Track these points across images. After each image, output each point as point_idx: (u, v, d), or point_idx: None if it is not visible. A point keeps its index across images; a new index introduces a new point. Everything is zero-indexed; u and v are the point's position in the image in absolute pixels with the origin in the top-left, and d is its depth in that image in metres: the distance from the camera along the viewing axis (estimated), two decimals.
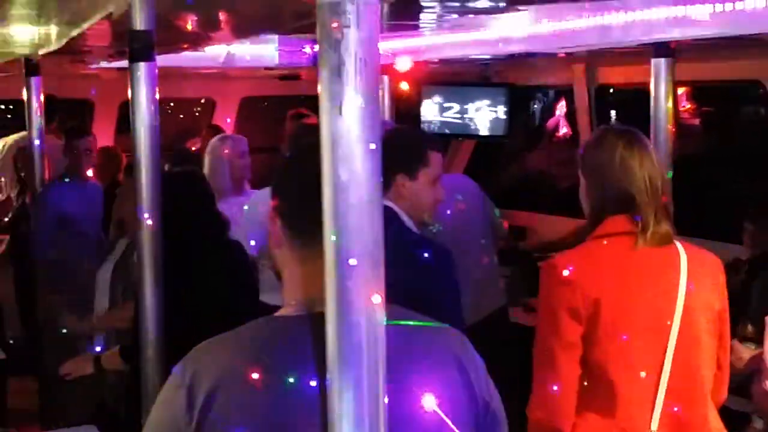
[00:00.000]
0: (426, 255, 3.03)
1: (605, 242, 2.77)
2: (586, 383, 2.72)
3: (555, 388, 2.70)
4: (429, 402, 1.66)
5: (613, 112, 7.48)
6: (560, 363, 2.71)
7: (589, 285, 2.70)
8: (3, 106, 9.00)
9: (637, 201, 2.73)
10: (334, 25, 1.22)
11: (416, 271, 2.97)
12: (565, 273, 2.72)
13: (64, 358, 4.31)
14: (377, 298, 1.26)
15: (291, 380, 1.60)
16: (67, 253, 5.27)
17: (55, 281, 5.49)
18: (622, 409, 2.71)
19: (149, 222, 2.89)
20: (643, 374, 2.70)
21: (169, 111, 9.55)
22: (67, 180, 5.89)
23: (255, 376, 1.61)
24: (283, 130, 6.23)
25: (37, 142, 5.15)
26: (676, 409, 2.71)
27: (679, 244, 2.79)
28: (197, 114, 9.33)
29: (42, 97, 5.11)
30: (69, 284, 5.05)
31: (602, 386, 2.71)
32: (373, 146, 1.25)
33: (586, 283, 2.70)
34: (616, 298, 2.70)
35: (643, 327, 2.71)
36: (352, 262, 1.25)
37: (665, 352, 2.69)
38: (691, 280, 2.73)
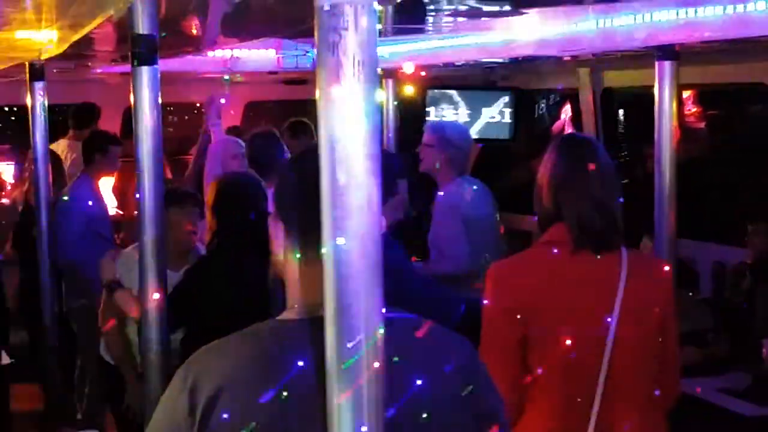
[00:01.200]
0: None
1: (546, 248, 2.84)
2: (529, 384, 2.79)
3: (498, 383, 2.74)
4: (430, 408, 1.66)
5: (619, 115, 7.48)
6: (500, 364, 2.69)
7: (527, 289, 2.79)
8: (7, 110, 9.00)
9: (575, 209, 2.80)
10: (332, 27, 1.21)
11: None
12: (505, 277, 2.85)
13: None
14: (377, 302, 1.25)
15: (292, 384, 1.59)
16: (93, 254, 5.25)
17: (80, 282, 5.50)
18: (559, 412, 2.77)
19: (151, 226, 2.88)
20: (579, 379, 2.75)
21: (173, 116, 9.57)
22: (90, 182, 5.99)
23: (256, 379, 1.61)
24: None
25: (40, 147, 5.13)
26: (612, 415, 2.75)
27: (624, 251, 2.83)
28: (201, 119, 9.32)
29: (46, 102, 5.10)
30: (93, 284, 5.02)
31: (541, 389, 2.78)
32: (372, 150, 1.24)
33: (524, 287, 2.80)
34: (553, 302, 2.78)
35: (579, 332, 2.75)
36: (351, 265, 1.24)
37: (602, 357, 2.74)
38: (629, 284, 2.77)
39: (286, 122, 6.78)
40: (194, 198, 4.61)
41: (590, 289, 2.79)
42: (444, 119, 5.53)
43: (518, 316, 2.76)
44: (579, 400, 2.76)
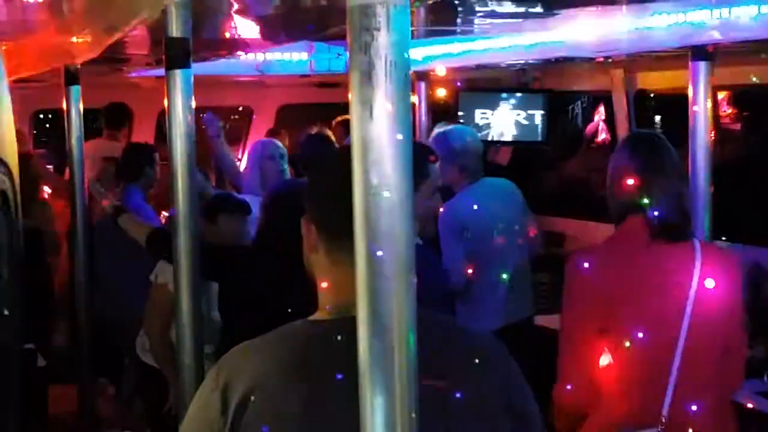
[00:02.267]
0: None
1: (623, 239, 3.00)
2: (607, 370, 2.93)
3: (581, 374, 2.92)
4: (462, 407, 1.66)
5: (656, 117, 7.42)
6: (584, 350, 2.91)
7: (606, 277, 2.92)
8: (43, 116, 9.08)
9: (650, 202, 2.94)
10: (364, 28, 1.21)
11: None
12: (585, 265, 2.96)
13: None
14: (409, 302, 1.25)
15: (324, 384, 1.60)
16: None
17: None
18: (636, 396, 2.90)
19: (185, 230, 2.89)
20: (655, 363, 2.89)
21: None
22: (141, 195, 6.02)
23: (289, 379, 1.61)
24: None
25: (76, 151, 5.18)
26: (685, 397, 2.88)
27: (696, 242, 2.99)
28: (235, 122, 9.37)
29: (81, 106, 5.15)
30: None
31: (619, 374, 2.90)
32: (404, 151, 1.24)
33: (603, 275, 2.92)
34: (630, 290, 2.91)
35: (655, 318, 2.90)
36: (384, 266, 1.24)
37: (677, 342, 2.88)
38: (703, 274, 2.91)
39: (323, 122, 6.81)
40: (244, 206, 4.63)
41: (667, 277, 2.93)
42: (448, 128, 5.45)
43: (599, 305, 2.89)
44: (654, 383, 2.88)
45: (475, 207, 4.86)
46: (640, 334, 2.87)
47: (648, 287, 2.92)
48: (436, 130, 5.32)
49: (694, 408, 2.88)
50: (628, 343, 2.87)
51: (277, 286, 3.66)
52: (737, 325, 3.05)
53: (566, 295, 3.00)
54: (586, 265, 2.97)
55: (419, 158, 3.37)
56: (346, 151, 1.29)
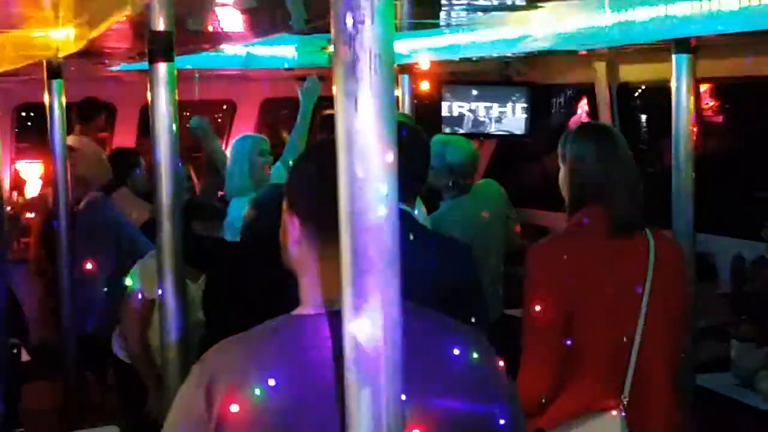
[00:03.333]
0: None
1: (582, 229, 3.04)
2: (569, 358, 2.99)
3: (544, 361, 2.98)
4: (447, 400, 1.66)
5: (636, 109, 7.44)
6: (545, 342, 2.97)
7: (568, 268, 2.96)
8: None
9: (611, 192, 3.01)
10: (349, 20, 1.21)
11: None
12: (547, 255, 3.04)
13: None
14: (394, 296, 1.25)
15: (310, 379, 1.59)
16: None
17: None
18: (595, 381, 2.96)
19: (168, 225, 2.89)
20: (616, 349, 2.97)
21: (190, 114, 9.58)
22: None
23: (274, 374, 1.60)
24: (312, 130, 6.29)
25: (58, 145, 5.15)
26: (644, 380, 2.97)
27: (648, 232, 3.07)
28: (218, 116, 9.34)
29: (64, 100, 5.12)
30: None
31: (583, 360, 2.97)
32: (389, 143, 1.24)
33: (565, 266, 2.97)
34: (590, 280, 2.96)
35: (614, 307, 2.98)
36: (369, 259, 1.24)
37: (635, 330, 2.96)
38: (658, 264, 3.01)
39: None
40: (216, 211, 4.62)
41: (624, 266, 3.01)
42: (447, 138, 5.45)
43: (562, 295, 2.95)
44: (615, 368, 2.96)
45: (460, 225, 4.87)
46: (601, 325, 2.96)
47: (607, 277, 2.98)
48: (436, 138, 5.34)
49: (647, 396, 2.96)
50: (591, 333, 2.95)
51: (264, 283, 3.66)
52: (686, 316, 3.20)
53: (529, 285, 3.04)
54: (547, 255, 3.05)
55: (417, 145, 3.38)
56: (330, 143, 1.28)
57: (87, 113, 7.84)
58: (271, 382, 1.60)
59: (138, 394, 4.73)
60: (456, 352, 1.73)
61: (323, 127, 6.51)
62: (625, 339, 2.97)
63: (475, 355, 1.76)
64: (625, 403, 2.93)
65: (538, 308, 2.99)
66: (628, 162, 3.07)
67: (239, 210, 4.47)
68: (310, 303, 1.71)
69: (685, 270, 3.22)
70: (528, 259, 3.06)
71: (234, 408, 1.59)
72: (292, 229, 1.74)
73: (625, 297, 2.99)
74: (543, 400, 2.98)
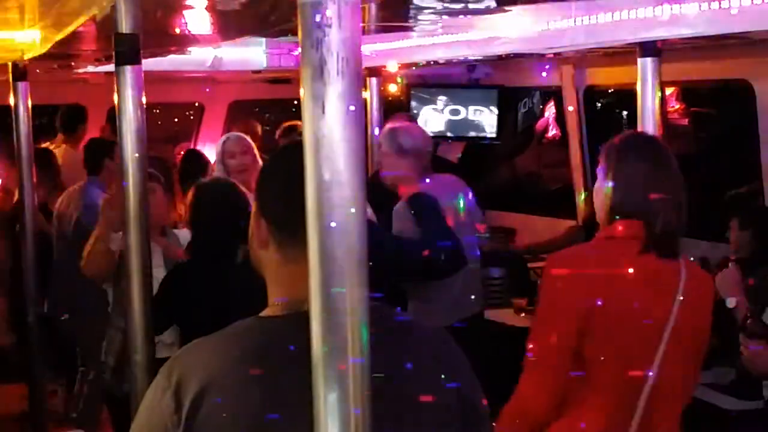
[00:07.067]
0: None
1: (611, 243, 2.81)
2: (576, 378, 2.77)
3: (549, 380, 2.76)
4: (414, 401, 1.67)
5: (602, 112, 7.50)
6: (554, 357, 2.75)
7: (589, 284, 2.73)
8: None
9: (653, 210, 2.76)
10: (316, 24, 1.21)
11: None
12: (565, 273, 2.77)
13: None
14: (362, 298, 1.26)
15: (278, 380, 1.60)
16: None
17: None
18: (607, 411, 2.76)
19: (136, 226, 2.87)
20: (628, 379, 2.74)
21: (158, 117, 9.54)
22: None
23: (243, 376, 1.61)
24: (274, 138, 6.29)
25: (25, 148, 5.11)
26: (654, 416, 2.77)
27: (682, 261, 2.83)
28: (186, 119, 9.31)
29: (29, 103, 5.08)
30: None
31: (591, 386, 2.76)
32: (356, 147, 1.25)
33: (586, 281, 2.74)
34: (613, 300, 2.72)
35: (634, 333, 2.74)
36: (336, 261, 1.24)
37: (653, 361, 2.74)
38: (687, 295, 2.77)
39: (275, 118, 6.80)
40: (149, 174, 4.59)
41: (651, 292, 2.77)
42: (399, 124, 5.44)
43: (577, 311, 2.72)
44: (625, 401, 2.76)
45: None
46: (618, 350, 2.75)
47: (631, 305, 2.75)
48: (388, 125, 5.32)
49: (660, 427, 2.80)
50: (604, 358, 2.75)
51: (218, 290, 3.64)
52: (704, 350, 2.94)
53: (542, 302, 2.84)
54: (565, 272, 2.79)
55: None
56: (297, 146, 1.29)
57: (70, 124, 7.80)
58: (241, 384, 1.60)
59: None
60: (423, 351, 1.74)
61: (285, 138, 6.50)
62: (639, 373, 2.74)
63: (442, 354, 1.77)
64: None
65: (547, 329, 2.78)
66: (677, 179, 2.84)
67: None
68: (276, 305, 1.72)
69: (711, 306, 2.92)
70: (543, 274, 2.87)
71: (203, 410, 1.59)
72: (260, 231, 1.74)
73: (647, 329, 2.75)
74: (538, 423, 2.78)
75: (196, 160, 6.97)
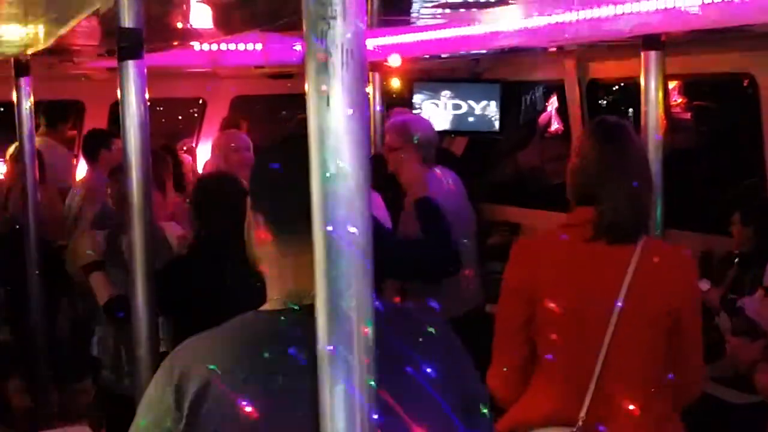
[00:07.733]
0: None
1: (566, 230, 2.90)
2: (535, 360, 2.90)
3: (505, 363, 2.92)
4: (420, 393, 1.66)
5: (605, 106, 7.48)
6: (508, 341, 2.92)
7: (540, 269, 2.86)
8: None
9: (605, 195, 2.81)
10: (321, 16, 1.21)
11: None
12: (522, 255, 2.93)
13: None
14: (367, 290, 1.25)
15: (282, 374, 1.59)
16: None
17: None
18: (557, 392, 2.85)
19: (139, 224, 2.87)
20: (579, 362, 2.82)
21: (161, 111, 9.52)
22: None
23: (245, 370, 1.60)
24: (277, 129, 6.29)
25: (27, 144, 5.11)
26: (607, 399, 2.79)
27: (640, 244, 2.82)
28: (188, 114, 9.30)
29: (32, 98, 5.08)
30: None
31: (543, 369, 2.88)
32: (360, 139, 1.24)
33: (537, 266, 2.87)
34: (562, 285, 2.83)
35: (579, 318, 2.81)
36: (342, 255, 1.24)
37: (601, 345, 2.78)
38: (642, 277, 2.78)
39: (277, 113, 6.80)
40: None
41: (595, 277, 2.82)
42: (406, 116, 5.45)
43: (528, 294, 2.84)
44: (576, 383, 2.81)
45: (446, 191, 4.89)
46: (566, 335, 2.81)
47: (577, 285, 2.81)
48: (394, 117, 5.33)
49: (618, 411, 2.78)
50: (553, 341, 2.82)
51: (218, 285, 3.64)
52: (687, 333, 2.88)
53: (503, 281, 2.95)
54: (523, 252, 2.95)
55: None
56: (293, 139, 1.29)
57: (53, 119, 7.82)
58: (243, 379, 1.60)
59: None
60: (430, 346, 1.74)
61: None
62: (587, 356, 2.78)
63: (445, 344, 1.78)
64: (581, 423, 2.77)
65: (506, 306, 2.92)
66: (635, 166, 2.85)
67: None
68: (276, 299, 1.71)
69: (687, 282, 2.92)
70: (509, 255, 2.97)
71: (206, 405, 1.58)
72: (257, 226, 1.73)
73: (596, 309, 2.78)
74: (503, 402, 2.89)
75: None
